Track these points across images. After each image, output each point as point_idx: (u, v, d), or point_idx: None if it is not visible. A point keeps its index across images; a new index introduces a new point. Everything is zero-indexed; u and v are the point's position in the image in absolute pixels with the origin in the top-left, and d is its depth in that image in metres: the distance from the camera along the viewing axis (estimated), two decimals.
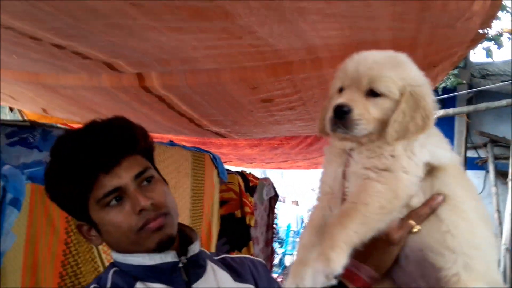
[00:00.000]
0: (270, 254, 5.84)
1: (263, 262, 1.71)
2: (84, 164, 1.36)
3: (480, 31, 2.08)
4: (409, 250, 1.22)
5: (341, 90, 1.28)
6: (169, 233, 1.41)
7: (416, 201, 1.21)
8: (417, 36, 2.12)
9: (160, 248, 1.40)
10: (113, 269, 1.46)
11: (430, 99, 1.26)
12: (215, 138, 5.19)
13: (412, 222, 1.18)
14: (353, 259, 1.17)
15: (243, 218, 4.35)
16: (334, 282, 1.07)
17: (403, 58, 1.31)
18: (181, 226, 1.55)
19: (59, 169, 1.41)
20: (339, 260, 1.07)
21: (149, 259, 1.40)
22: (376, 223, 1.14)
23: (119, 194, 1.38)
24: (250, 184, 4.71)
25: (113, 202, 1.38)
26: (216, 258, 1.63)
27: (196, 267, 1.48)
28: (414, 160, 1.20)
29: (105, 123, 1.47)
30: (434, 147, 1.25)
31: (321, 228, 1.24)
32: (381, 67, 1.24)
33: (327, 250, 1.09)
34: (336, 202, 1.25)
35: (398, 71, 1.25)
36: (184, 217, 3.16)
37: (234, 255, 1.72)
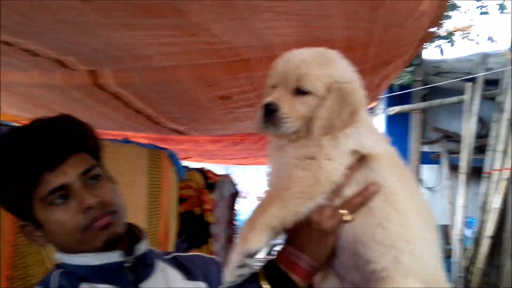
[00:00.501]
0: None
1: (216, 259, 1.70)
2: (28, 161, 1.32)
3: (430, 30, 2.14)
4: (344, 242, 1.23)
5: (273, 88, 1.31)
6: (116, 231, 1.39)
7: (349, 192, 1.23)
8: (370, 35, 2.16)
9: (107, 247, 1.37)
10: (58, 270, 1.42)
11: (358, 95, 1.29)
12: (175, 135, 5.14)
13: (343, 211, 1.20)
14: (294, 249, 1.22)
15: (203, 216, 4.31)
16: (250, 261, 1.12)
17: (332, 55, 1.33)
18: (129, 225, 1.52)
19: (2, 166, 1.37)
20: (255, 241, 1.12)
21: (95, 259, 1.38)
22: (296, 207, 1.17)
23: (65, 192, 1.35)
24: (210, 181, 4.66)
25: (58, 200, 1.34)
26: (166, 257, 1.61)
27: (143, 266, 1.45)
28: (339, 148, 1.23)
29: (51, 120, 1.43)
30: (363, 137, 1.26)
31: None
32: (307, 65, 1.26)
33: (245, 232, 1.15)
34: None
35: (325, 68, 1.27)
36: (140, 216, 3.11)
37: (186, 253, 1.70)
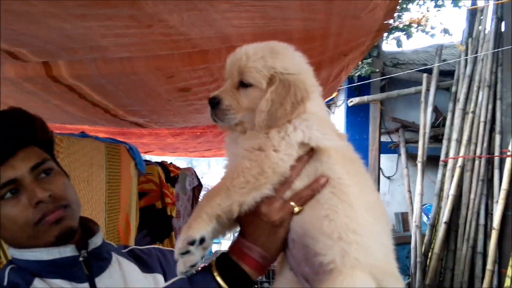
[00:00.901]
0: None
1: (174, 250, 1.69)
2: None
3: (385, 22, 2.18)
4: (294, 234, 1.24)
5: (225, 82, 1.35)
6: (69, 225, 1.37)
7: (300, 185, 1.24)
8: (327, 27, 2.18)
9: (59, 241, 1.35)
10: (10, 266, 1.38)
11: (302, 86, 1.29)
12: (135, 128, 5.05)
13: (292, 203, 1.21)
14: (246, 240, 1.23)
15: (164, 209, 4.27)
16: (193, 248, 1.14)
17: (280, 47, 1.35)
18: (82, 219, 1.50)
19: None
20: (197, 228, 1.14)
21: (47, 253, 1.35)
22: (240, 197, 1.18)
23: (15, 186, 1.32)
24: (171, 175, 4.63)
25: (8, 194, 1.31)
26: (123, 250, 1.60)
27: (98, 260, 1.44)
28: (287, 140, 1.24)
29: (1, 114, 1.41)
30: (313, 130, 1.27)
31: None
32: (249, 58, 1.29)
33: (190, 220, 1.18)
34: None
35: (268, 61, 1.29)
36: (99, 211, 3.04)
37: (143, 246, 1.68)
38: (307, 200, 1.21)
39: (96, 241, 1.45)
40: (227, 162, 1.33)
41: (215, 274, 1.19)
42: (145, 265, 1.56)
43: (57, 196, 1.35)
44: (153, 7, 1.85)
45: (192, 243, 1.13)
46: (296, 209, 1.21)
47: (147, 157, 9.41)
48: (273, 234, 1.22)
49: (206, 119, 4.53)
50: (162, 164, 4.58)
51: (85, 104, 3.31)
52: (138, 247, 1.66)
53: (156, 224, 4.19)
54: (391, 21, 2.31)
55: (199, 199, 6.02)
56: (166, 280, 1.55)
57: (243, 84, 1.29)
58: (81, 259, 1.39)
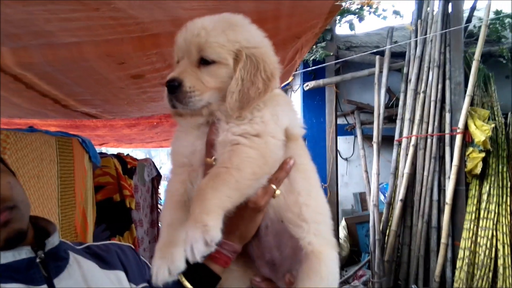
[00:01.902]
0: (156, 235, 5.72)
1: (132, 246, 1.64)
2: None
3: (336, 3, 2.18)
4: (269, 221, 1.23)
5: (178, 63, 1.22)
6: (17, 228, 1.28)
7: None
8: (279, 8, 2.16)
9: (9, 245, 1.27)
10: None
11: (270, 60, 1.23)
12: (88, 119, 4.89)
13: (273, 186, 1.17)
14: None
15: (123, 202, 4.17)
16: (213, 249, 1.00)
17: (238, 20, 1.26)
18: (35, 219, 1.42)
19: None
20: (216, 225, 1.01)
21: (2, 257, 1.26)
22: (247, 189, 1.12)
23: None
24: (129, 166, 4.52)
25: None
26: (79, 247, 1.53)
27: (56, 261, 1.36)
28: (279, 125, 1.20)
29: None
30: (291, 115, 1.25)
31: (185, 204, 1.17)
32: (208, 32, 1.18)
33: (202, 216, 1.01)
34: (196, 175, 1.20)
35: (229, 34, 1.19)
36: (51, 207, 2.92)
37: (100, 242, 1.62)
38: (282, 181, 1.20)
39: (53, 241, 1.38)
40: (179, 148, 1.23)
41: (182, 279, 1.14)
42: (105, 262, 1.50)
43: (2, 197, 1.26)
44: None
45: (218, 243, 1.01)
46: (278, 191, 1.18)
47: (103, 149, 9.19)
48: (253, 221, 1.19)
49: (162, 108, 4.44)
50: (118, 156, 4.46)
51: (33, 95, 3.16)
52: (95, 243, 1.60)
53: (115, 217, 4.09)
54: (342, 3, 2.31)
55: (159, 190, 5.93)
56: (128, 277, 1.51)
57: (204, 62, 1.17)
58: (38, 260, 1.32)
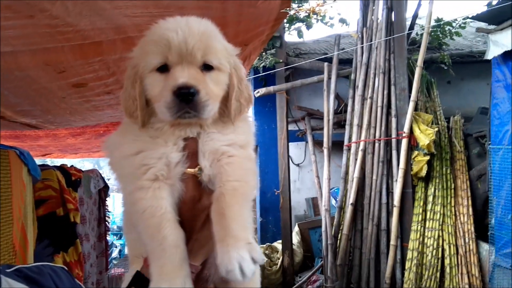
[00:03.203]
0: (104, 248, 5.51)
1: (66, 268, 1.54)
2: None
3: (282, 10, 2.17)
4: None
5: (162, 67, 1.10)
6: None
7: None
8: (225, 16, 2.13)
9: None
10: None
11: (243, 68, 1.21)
12: (29, 130, 4.65)
13: None
14: None
15: (67, 216, 3.97)
16: (258, 266, 0.99)
17: (212, 24, 1.20)
18: None
19: None
20: (256, 242, 1.00)
21: None
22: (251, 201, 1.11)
23: None
24: (73, 178, 4.32)
25: None
26: (9, 270, 1.41)
27: None
28: (253, 136, 1.22)
29: None
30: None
31: (177, 221, 1.09)
32: (209, 36, 1.12)
33: (241, 233, 0.99)
34: (174, 187, 1.10)
35: (220, 40, 1.15)
36: None
37: (30, 264, 1.50)
38: None
39: None
40: (147, 160, 1.11)
41: None
42: (38, 285, 1.39)
43: None
44: None
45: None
46: None
47: (47, 161, 8.79)
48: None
49: (108, 117, 4.29)
50: (61, 168, 4.26)
51: None
52: (25, 265, 1.48)
53: (59, 232, 3.89)
54: (288, 10, 2.31)
55: (106, 202, 5.72)
56: None
57: (206, 67, 1.10)
58: None
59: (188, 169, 1.10)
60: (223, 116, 1.15)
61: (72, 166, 4.68)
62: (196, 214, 1.11)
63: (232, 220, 1.01)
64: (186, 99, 1.04)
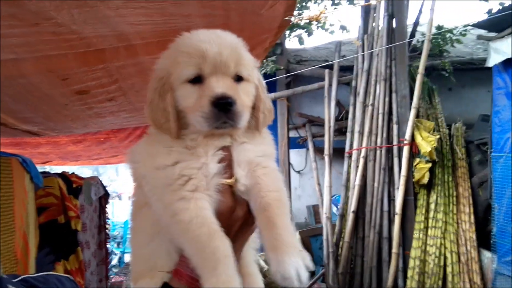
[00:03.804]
0: (104, 256, 5.48)
1: (71, 278, 1.52)
2: None
3: (285, 18, 2.17)
4: None
5: (195, 79, 1.12)
6: None
7: None
8: (228, 23, 2.13)
9: None
10: None
11: None
12: (30, 137, 4.64)
13: None
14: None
15: (68, 223, 3.95)
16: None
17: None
18: None
19: None
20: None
21: None
22: None
23: None
24: (74, 186, 4.30)
25: None
26: (15, 280, 1.40)
27: None
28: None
29: None
30: None
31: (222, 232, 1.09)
32: (240, 48, 1.16)
33: (293, 241, 1.04)
34: (211, 198, 1.11)
35: (248, 53, 1.19)
36: None
37: (36, 274, 1.49)
38: None
39: None
40: (184, 171, 1.11)
41: None
42: None
43: None
44: (37, 4, 1.68)
45: None
46: None
47: (47, 168, 8.77)
48: None
49: (109, 124, 4.28)
50: (62, 175, 4.24)
51: None
52: (31, 275, 1.46)
53: (60, 240, 3.87)
54: (291, 18, 2.32)
55: (106, 209, 5.70)
56: None
57: (237, 78, 1.14)
58: None
59: (226, 180, 1.12)
60: (250, 127, 1.18)
61: (73, 173, 4.66)
62: (231, 224, 1.12)
63: (283, 229, 1.05)
64: (224, 109, 1.07)
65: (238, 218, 1.14)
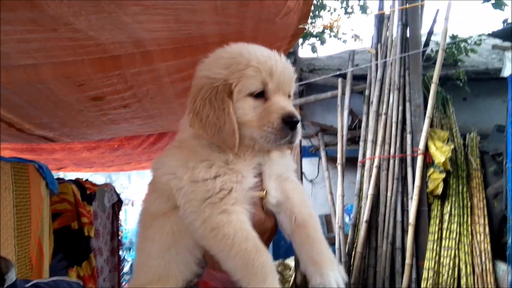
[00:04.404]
0: (117, 263, 5.50)
1: (81, 283, 1.54)
2: None
3: (299, 26, 2.18)
4: None
5: (259, 93, 1.15)
6: None
7: None
8: (242, 31, 2.14)
9: None
10: None
11: None
12: (45, 143, 4.69)
13: None
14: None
15: (81, 230, 3.97)
16: None
17: None
18: None
19: None
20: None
21: None
22: None
23: None
24: (88, 192, 4.33)
25: None
26: (27, 285, 1.41)
27: None
28: None
29: None
30: None
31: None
32: (291, 68, 1.22)
33: (331, 256, 1.13)
34: (247, 210, 1.15)
35: None
36: (7, 238, 2.75)
37: (47, 279, 1.51)
38: None
39: (11, 277, 1.28)
40: (229, 184, 1.14)
41: None
42: None
43: None
44: (56, 9, 1.70)
45: None
46: None
47: (61, 174, 8.85)
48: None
49: (124, 130, 4.32)
50: (77, 182, 4.28)
51: None
52: (43, 280, 1.48)
53: (73, 246, 3.89)
54: (305, 26, 2.32)
55: (119, 216, 5.72)
56: None
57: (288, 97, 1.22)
58: None
59: (260, 192, 1.17)
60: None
61: (87, 180, 4.70)
62: (260, 236, 1.14)
63: (323, 244, 1.14)
64: (293, 127, 1.12)
65: (267, 230, 1.19)
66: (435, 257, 5.71)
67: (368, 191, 6.30)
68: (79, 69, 2.48)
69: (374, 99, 6.61)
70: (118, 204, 5.63)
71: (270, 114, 1.11)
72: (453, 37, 8.59)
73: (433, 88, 5.96)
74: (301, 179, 7.98)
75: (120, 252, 5.95)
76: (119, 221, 5.69)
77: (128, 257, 11.24)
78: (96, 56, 2.32)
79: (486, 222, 5.79)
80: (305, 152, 8.30)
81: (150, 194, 1.27)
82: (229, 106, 1.12)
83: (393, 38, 6.64)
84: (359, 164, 6.70)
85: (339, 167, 6.71)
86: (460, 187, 5.98)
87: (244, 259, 1.05)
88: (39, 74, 2.49)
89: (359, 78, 7.56)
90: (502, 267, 5.54)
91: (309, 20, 8.70)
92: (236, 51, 1.19)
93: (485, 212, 5.86)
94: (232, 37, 2.26)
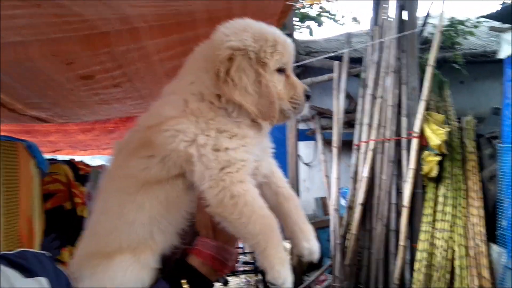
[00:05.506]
0: None
1: (47, 253, 1.53)
2: None
3: (288, 2, 2.15)
4: None
5: (279, 70, 1.26)
6: None
7: None
8: (230, 8, 2.11)
9: None
10: None
11: None
12: (38, 124, 4.67)
13: None
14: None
15: (74, 210, 3.98)
16: None
17: None
18: None
19: None
20: None
21: None
22: None
23: None
24: (81, 173, 4.33)
25: None
26: None
27: None
28: None
29: None
30: None
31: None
32: None
33: (310, 225, 1.33)
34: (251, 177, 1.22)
35: None
36: None
37: (13, 251, 1.49)
38: None
39: None
40: (249, 155, 1.21)
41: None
42: (25, 270, 1.38)
43: None
44: None
45: None
46: None
47: (59, 157, 8.84)
48: None
49: (117, 111, 4.29)
50: (70, 162, 4.28)
51: None
52: (8, 252, 1.47)
53: (66, 226, 3.89)
54: (293, 3, 2.29)
55: None
56: (51, 283, 1.39)
57: None
58: None
59: (257, 163, 1.25)
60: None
61: (81, 161, 4.69)
62: None
63: (304, 216, 1.32)
64: (307, 100, 1.30)
65: None
66: (429, 238, 5.74)
67: (363, 173, 6.31)
68: (67, 47, 2.44)
69: (370, 82, 6.58)
70: None
71: (296, 88, 1.27)
72: (451, 19, 8.52)
73: (429, 70, 5.91)
74: (297, 162, 7.99)
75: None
76: None
77: None
78: (83, 33, 2.29)
79: (481, 204, 5.81)
80: (301, 135, 8.28)
81: (139, 161, 1.24)
82: (266, 78, 1.19)
83: (390, 21, 6.57)
84: (354, 147, 6.70)
85: (334, 150, 6.71)
86: (455, 170, 5.99)
87: (263, 224, 1.13)
88: (27, 52, 2.46)
89: (356, 61, 7.51)
90: (496, 249, 5.57)
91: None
92: (255, 26, 1.25)
93: (480, 195, 5.87)
94: (220, 13, 2.23)
